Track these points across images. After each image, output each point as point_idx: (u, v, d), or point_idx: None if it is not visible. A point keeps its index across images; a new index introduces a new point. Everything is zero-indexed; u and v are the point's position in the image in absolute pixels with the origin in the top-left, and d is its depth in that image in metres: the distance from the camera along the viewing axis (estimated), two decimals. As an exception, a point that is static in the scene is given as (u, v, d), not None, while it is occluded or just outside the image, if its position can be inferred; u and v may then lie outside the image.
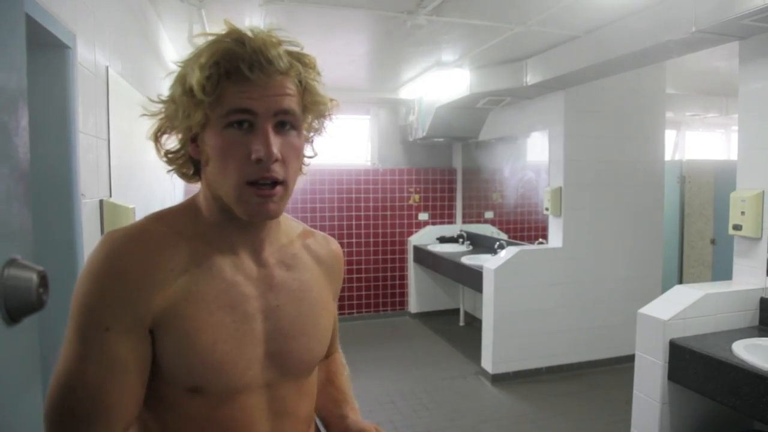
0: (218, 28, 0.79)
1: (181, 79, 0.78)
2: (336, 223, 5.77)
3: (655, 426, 2.43)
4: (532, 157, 4.78)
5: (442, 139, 5.77)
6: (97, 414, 0.73)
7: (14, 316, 0.54)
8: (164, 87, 0.84)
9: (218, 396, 0.80)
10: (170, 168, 0.87)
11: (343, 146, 5.92)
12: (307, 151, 0.90)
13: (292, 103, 0.79)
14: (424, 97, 5.30)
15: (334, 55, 3.99)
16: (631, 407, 2.59)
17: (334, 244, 1.04)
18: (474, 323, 5.60)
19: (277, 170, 0.78)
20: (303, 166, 0.88)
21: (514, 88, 4.19)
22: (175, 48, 3.85)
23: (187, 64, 0.78)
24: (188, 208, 0.87)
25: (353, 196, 5.83)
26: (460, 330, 5.61)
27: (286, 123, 0.80)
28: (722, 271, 4.58)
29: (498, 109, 5.08)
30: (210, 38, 0.78)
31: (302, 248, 0.95)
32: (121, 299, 0.74)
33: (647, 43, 2.88)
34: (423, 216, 6.11)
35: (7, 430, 0.53)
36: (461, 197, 6.16)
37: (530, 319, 4.17)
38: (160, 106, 0.83)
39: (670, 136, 6.40)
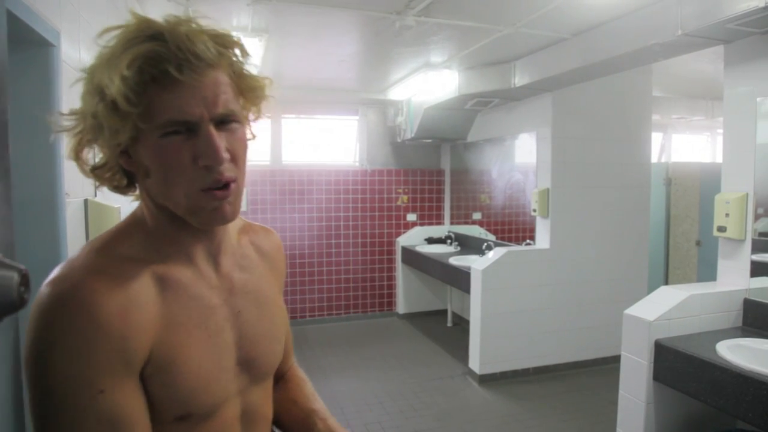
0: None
1: (98, 90, 0.68)
2: (324, 223, 5.76)
3: (640, 425, 2.46)
4: (520, 159, 4.81)
5: (430, 140, 5.78)
6: None
7: (-6, 316, 0.53)
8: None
9: (203, 416, 0.77)
10: (98, 185, 0.78)
11: (331, 147, 5.92)
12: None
13: (229, 101, 0.73)
14: (413, 98, 5.31)
15: (323, 55, 3.98)
16: (616, 407, 2.62)
17: (275, 236, 1.00)
18: (462, 324, 5.62)
19: (229, 170, 0.73)
20: None
21: (502, 90, 4.21)
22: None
23: (101, 72, 0.68)
24: (131, 227, 0.78)
25: (341, 196, 5.82)
26: (447, 331, 5.62)
27: (228, 120, 0.74)
28: (707, 272, 4.63)
29: (486, 110, 5.11)
30: (118, 33, 0.69)
31: (249, 245, 0.91)
32: (111, 354, 0.66)
33: (634, 46, 2.91)
34: (411, 217, 6.11)
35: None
36: (449, 198, 6.18)
37: (517, 319, 4.19)
38: (74, 121, 0.72)
39: (656, 138, 6.47)
